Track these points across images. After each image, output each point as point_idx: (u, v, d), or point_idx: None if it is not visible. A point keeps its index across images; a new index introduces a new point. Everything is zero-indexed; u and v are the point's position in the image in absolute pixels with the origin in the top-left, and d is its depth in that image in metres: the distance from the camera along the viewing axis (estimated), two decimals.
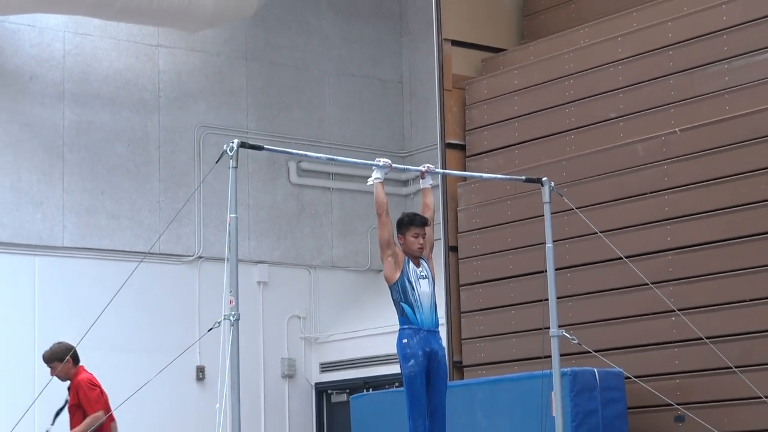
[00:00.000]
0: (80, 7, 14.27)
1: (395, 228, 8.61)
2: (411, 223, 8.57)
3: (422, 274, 8.56)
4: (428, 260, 8.68)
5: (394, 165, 8.77)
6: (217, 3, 14.65)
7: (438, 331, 8.65)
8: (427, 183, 8.87)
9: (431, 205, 8.84)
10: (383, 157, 8.81)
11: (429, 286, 8.59)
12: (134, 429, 14.96)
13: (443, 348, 8.67)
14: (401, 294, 8.48)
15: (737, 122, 11.07)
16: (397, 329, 15.42)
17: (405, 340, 8.49)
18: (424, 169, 8.87)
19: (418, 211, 8.80)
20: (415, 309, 8.50)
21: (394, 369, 15.75)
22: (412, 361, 8.46)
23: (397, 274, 8.47)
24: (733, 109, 11.17)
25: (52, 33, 15.39)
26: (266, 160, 16.56)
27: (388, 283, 8.55)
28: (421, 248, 8.57)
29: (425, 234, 8.61)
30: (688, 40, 11.69)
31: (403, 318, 8.52)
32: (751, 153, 10.92)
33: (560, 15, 14.07)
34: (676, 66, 11.76)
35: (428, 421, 8.55)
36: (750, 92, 11.09)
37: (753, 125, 10.94)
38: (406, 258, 8.52)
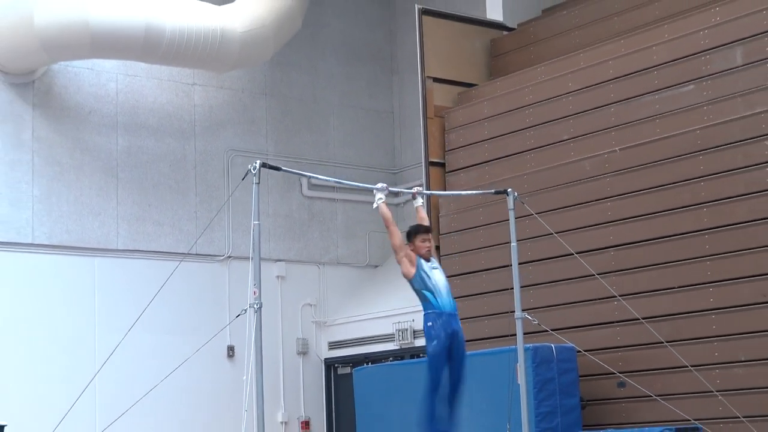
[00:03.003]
0: (130, 53, 14.29)
1: (405, 238, 8.52)
2: (417, 232, 8.53)
3: (434, 266, 8.46)
4: (435, 256, 8.62)
5: (390, 188, 8.79)
6: (242, 49, 14.67)
7: (457, 314, 8.42)
8: (418, 202, 8.88)
9: (425, 218, 8.85)
10: (380, 181, 8.85)
11: (442, 275, 8.47)
12: (176, 398, 15.02)
13: (461, 329, 8.44)
14: (422, 283, 8.32)
15: (666, 143, 11.10)
16: (396, 313, 15.33)
17: (430, 323, 8.26)
18: (415, 191, 8.96)
19: (415, 222, 8.81)
20: (435, 294, 8.31)
21: (390, 346, 15.77)
22: (435, 342, 8.24)
23: (413, 270, 8.34)
24: (662, 131, 11.19)
25: (107, 75, 15.41)
26: (283, 177, 16.49)
27: (407, 278, 8.39)
28: (429, 250, 8.49)
29: (431, 238, 8.58)
30: (625, 75, 11.72)
31: (426, 304, 8.33)
32: (677, 167, 10.95)
33: (521, 56, 14.08)
34: (616, 96, 11.78)
35: (449, 389, 8.29)
36: (676, 118, 11.11)
37: (679, 145, 10.96)
38: (417, 256, 8.41)
